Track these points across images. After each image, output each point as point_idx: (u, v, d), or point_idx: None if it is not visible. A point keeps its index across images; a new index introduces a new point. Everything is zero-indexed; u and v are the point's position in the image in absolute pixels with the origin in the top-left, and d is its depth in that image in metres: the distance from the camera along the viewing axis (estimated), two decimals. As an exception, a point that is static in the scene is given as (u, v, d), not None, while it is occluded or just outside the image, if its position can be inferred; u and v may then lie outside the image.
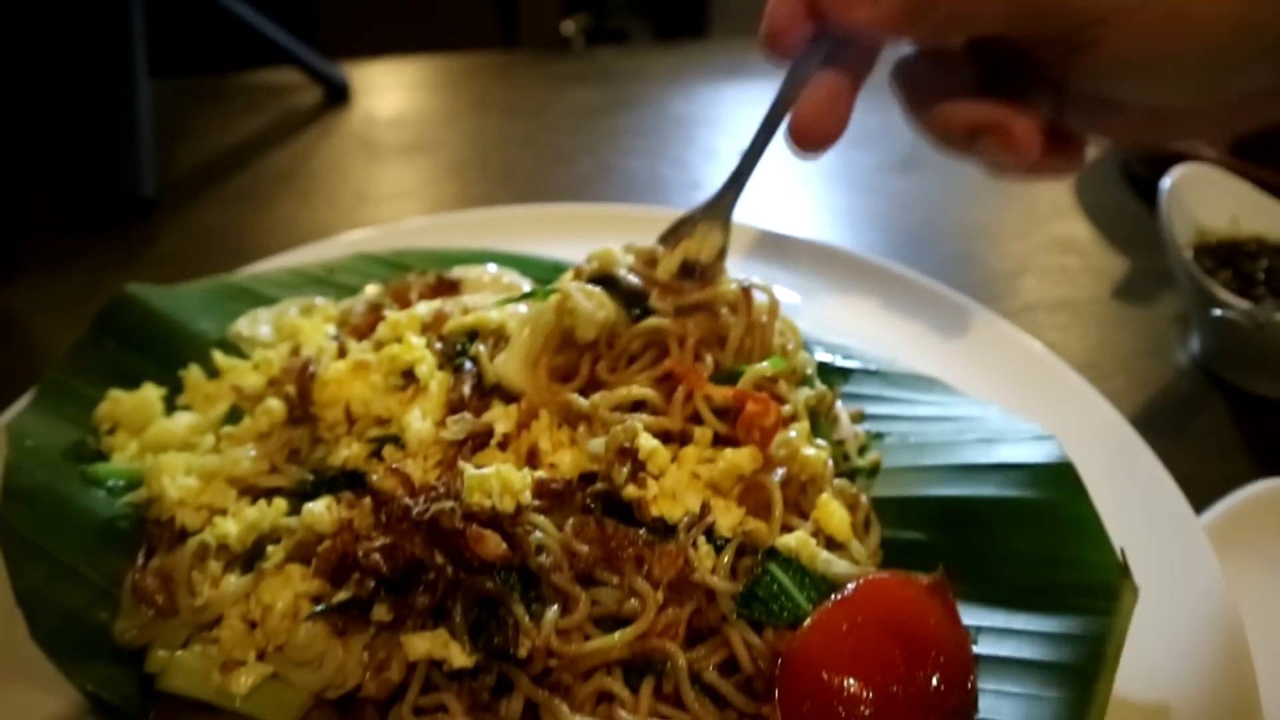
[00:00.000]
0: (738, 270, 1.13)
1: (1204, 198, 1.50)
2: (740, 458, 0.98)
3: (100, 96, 1.91)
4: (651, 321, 1.05)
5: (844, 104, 0.89)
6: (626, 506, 0.96)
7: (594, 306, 1.04)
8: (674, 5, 3.49)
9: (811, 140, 0.88)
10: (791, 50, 0.89)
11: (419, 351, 1.06)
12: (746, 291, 1.11)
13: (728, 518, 0.95)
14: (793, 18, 0.86)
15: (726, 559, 0.92)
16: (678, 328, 1.05)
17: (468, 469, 0.93)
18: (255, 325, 1.27)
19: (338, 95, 2.24)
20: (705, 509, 0.94)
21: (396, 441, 1.01)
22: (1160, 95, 0.80)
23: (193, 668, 0.88)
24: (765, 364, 1.07)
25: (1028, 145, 0.83)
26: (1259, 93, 0.78)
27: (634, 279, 1.12)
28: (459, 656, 0.85)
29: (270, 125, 2.13)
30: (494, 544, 0.87)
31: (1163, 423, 1.36)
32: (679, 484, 0.97)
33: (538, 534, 0.90)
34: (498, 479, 0.91)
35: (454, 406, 1.04)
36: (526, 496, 0.92)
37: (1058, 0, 0.76)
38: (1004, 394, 1.20)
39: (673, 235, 1.13)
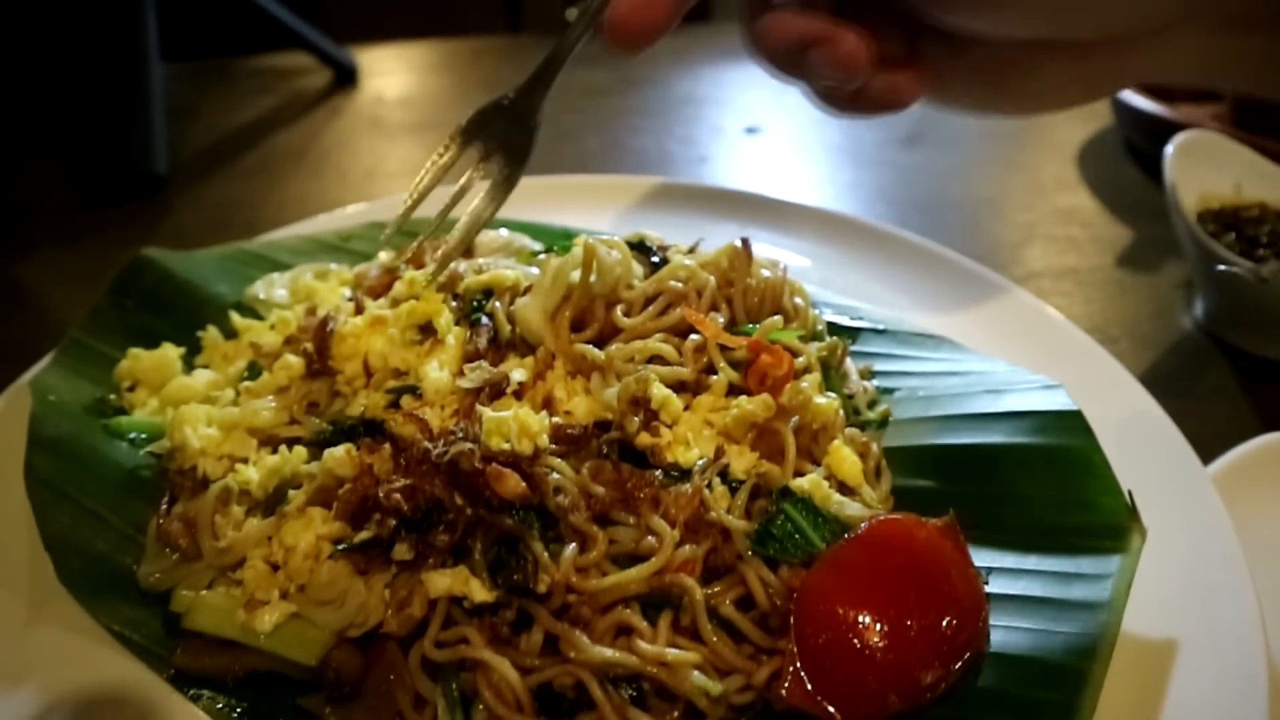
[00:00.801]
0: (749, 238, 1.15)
1: (1208, 164, 1.51)
2: (754, 405, 0.99)
3: (112, 77, 1.93)
4: (673, 264, 1.07)
5: (664, 3, 0.80)
6: (641, 453, 0.98)
7: (614, 256, 1.06)
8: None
9: (624, 30, 0.79)
10: None
11: (436, 304, 1.07)
12: (746, 244, 1.13)
13: (742, 461, 0.96)
14: None
15: (741, 499, 0.93)
16: (698, 275, 1.07)
17: (486, 412, 0.94)
18: (271, 288, 1.29)
19: (346, 77, 2.26)
20: (720, 452, 0.96)
21: (414, 392, 1.03)
22: (1003, 20, 0.76)
23: (218, 606, 0.90)
24: (777, 318, 1.09)
25: (856, 59, 0.79)
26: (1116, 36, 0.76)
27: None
28: (479, 592, 0.86)
29: (281, 106, 2.15)
30: (513, 483, 0.89)
31: (1167, 384, 1.37)
32: (692, 431, 0.99)
33: (555, 476, 0.92)
34: (516, 422, 0.93)
35: (470, 359, 1.05)
36: (544, 439, 0.93)
37: None
38: (1010, 352, 1.21)
39: (473, 132, 1.02)
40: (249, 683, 0.89)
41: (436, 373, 1.02)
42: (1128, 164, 1.93)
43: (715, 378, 1.03)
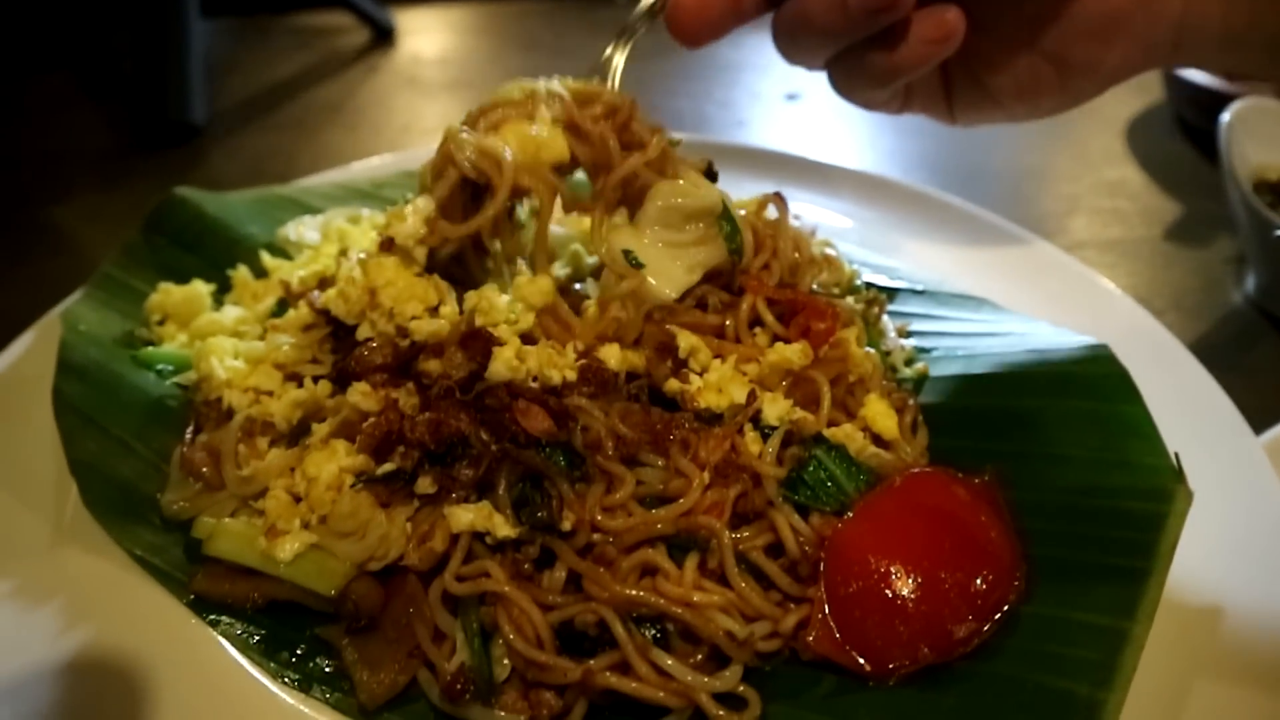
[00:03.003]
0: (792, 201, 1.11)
1: (1264, 134, 1.46)
2: (790, 352, 0.96)
3: (151, 30, 1.93)
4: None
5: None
6: (673, 399, 0.95)
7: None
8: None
9: (685, 22, 0.89)
10: None
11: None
12: (780, 198, 1.10)
13: (775, 408, 0.94)
14: None
15: (773, 445, 0.91)
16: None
17: (498, 353, 0.91)
18: (302, 230, 1.28)
19: (384, 36, 2.26)
20: (752, 396, 0.93)
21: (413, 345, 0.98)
22: None
23: (239, 533, 0.89)
24: (823, 274, 1.07)
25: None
26: None
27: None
28: (502, 528, 0.85)
29: (319, 62, 2.14)
30: (540, 418, 0.87)
31: (1215, 356, 1.30)
32: (724, 378, 0.96)
33: (589, 411, 0.89)
34: (541, 355, 0.91)
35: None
36: (570, 374, 0.91)
37: None
38: (1054, 315, 1.17)
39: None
40: (267, 611, 0.88)
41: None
42: (1179, 139, 1.87)
43: (759, 329, 1.01)
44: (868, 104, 0.98)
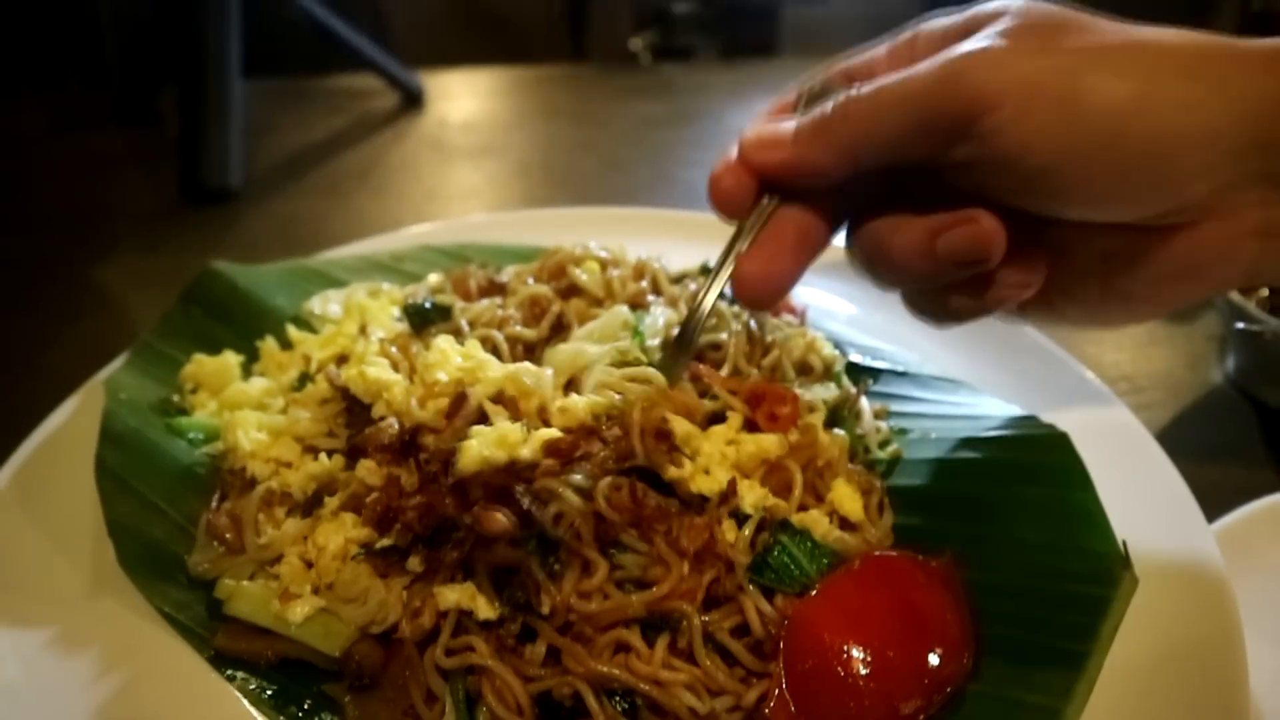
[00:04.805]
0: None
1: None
2: (767, 442, 1.04)
3: (195, 93, 2.06)
4: None
5: (789, 260, 0.88)
6: (658, 476, 1.02)
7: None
8: (744, 23, 3.53)
9: (751, 292, 0.88)
10: (740, 210, 0.89)
11: None
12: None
13: (752, 496, 1.01)
14: (735, 179, 0.87)
15: (748, 532, 0.98)
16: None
17: (466, 446, 0.96)
18: (326, 304, 1.38)
19: (413, 100, 2.38)
20: (732, 486, 1.00)
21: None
22: (1090, 202, 0.77)
23: (255, 595, 0.98)
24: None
25: (996, 233, 0.79)
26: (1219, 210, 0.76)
27: None
28: (484, 608, 0.92)
29: (349, 126, 2.27)
30: (499, 522, 0.91)
31: (1192, 436, 1.38)
32: (711, 460, 1.03)
33: (562, 496, 0.94)
34: (494, 436, 0.96)
35: None
36: (527, 451, 0.95)
37: (948, 88, 0.73)
38: (1027, 398, 1.24)
39: None
40: (280, 668, 0.97)
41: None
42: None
43: (732, 411, 1.09)
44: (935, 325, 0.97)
